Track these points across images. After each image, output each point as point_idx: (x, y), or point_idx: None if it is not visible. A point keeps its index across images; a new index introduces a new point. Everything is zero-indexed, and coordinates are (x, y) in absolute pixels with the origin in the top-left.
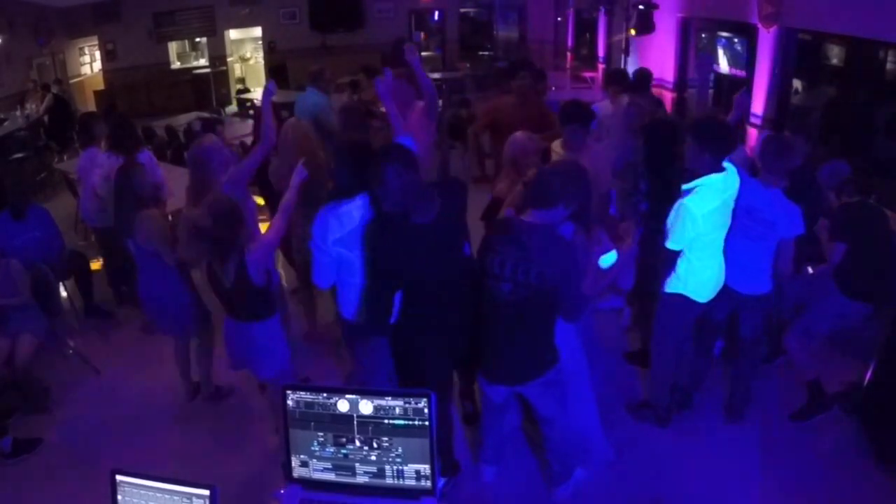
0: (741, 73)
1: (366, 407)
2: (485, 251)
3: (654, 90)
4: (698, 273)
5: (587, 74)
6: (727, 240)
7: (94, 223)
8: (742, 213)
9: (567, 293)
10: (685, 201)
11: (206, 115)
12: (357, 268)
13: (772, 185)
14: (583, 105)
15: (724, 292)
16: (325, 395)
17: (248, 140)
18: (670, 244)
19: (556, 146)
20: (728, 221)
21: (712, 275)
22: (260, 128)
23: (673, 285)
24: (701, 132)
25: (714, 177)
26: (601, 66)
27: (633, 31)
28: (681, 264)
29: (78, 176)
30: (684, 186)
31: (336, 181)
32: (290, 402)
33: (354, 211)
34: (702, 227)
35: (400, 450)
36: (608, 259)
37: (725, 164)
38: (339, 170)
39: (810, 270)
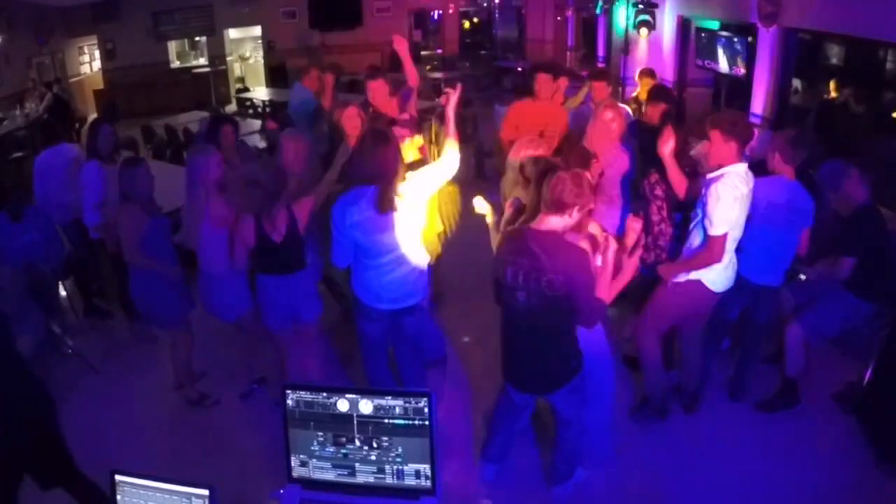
0: (741, 72)
1: (366, 406)
2: (499, 262)
3: None
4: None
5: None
6: (761, 234)
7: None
8: (784, 208)
9: (581, 299)
10: (717, 186)
11: (219, 112)
12: (372, 252)
13: (793, 178)
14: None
15: (741, 287)
16: (324, 394)
17: (249, 140)
18: (716, 230)
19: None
20: (745, 215)
21: (729, 265)
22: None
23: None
24: (728, 124)
25: (739, 165)
26: (601, 66)
27: (644, 32)
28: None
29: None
30: (709, 175)
31: (356, 169)
32: (289, 402)
33: (373, 199)
34: (732, 211)
35: (400, 449)
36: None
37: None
38: (358, 158)
39: (802, 277)
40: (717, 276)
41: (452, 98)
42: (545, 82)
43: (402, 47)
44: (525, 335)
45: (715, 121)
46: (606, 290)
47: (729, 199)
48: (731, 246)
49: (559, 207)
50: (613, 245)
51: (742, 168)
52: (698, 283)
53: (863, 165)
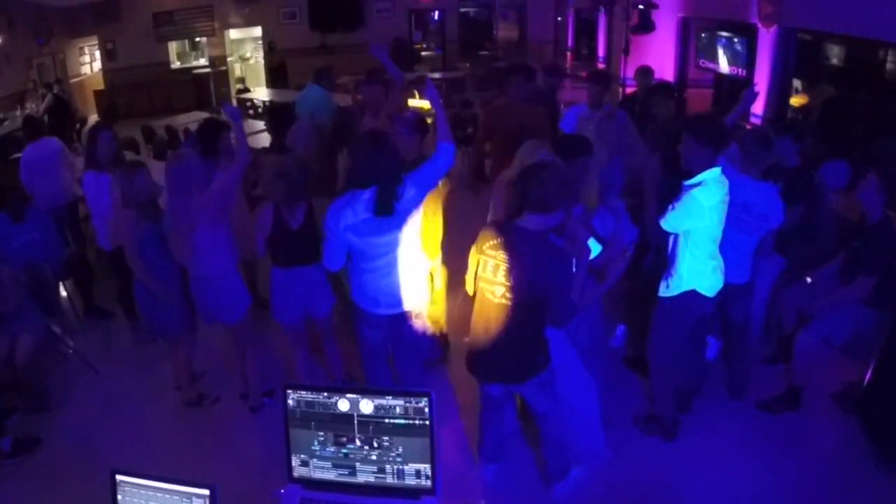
0: (741, 72)
1: (366, 406)
2: (480, 253)
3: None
4: (705, 268)
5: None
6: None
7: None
8: (738, 207)
9: (556, 300)
10: (694, 193)
11: (208, 115)
12: (368, 255)
13: (760, 179)
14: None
15: None
16: (325, 394)
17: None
18: (667, 224)
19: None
20: (724, 217)
21: (717, 267)
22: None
23: (676, 286)
24: (704, 130)
25: (715, 170)
26: (601, 66)
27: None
28: (685, 262)
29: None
30: (687, 182)
31: (352, 172)
32: (290, 402)
33: (369, 201)
34: (708, 220)
35: (400, 449)
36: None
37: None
38: (356, 161)
39: (808, 280)
40: (709, 283)
41: (431, 89)
42: (518, 84)
43: (380, 55)
44: (496, 327)
45: (690, 126)
46: (579, 294)
47: (699, 208)
48: (711, 248)
49: (544, 207)
50: (590, 250)
51: (717, 172)
52: (693, 292)
53: (880, 173)
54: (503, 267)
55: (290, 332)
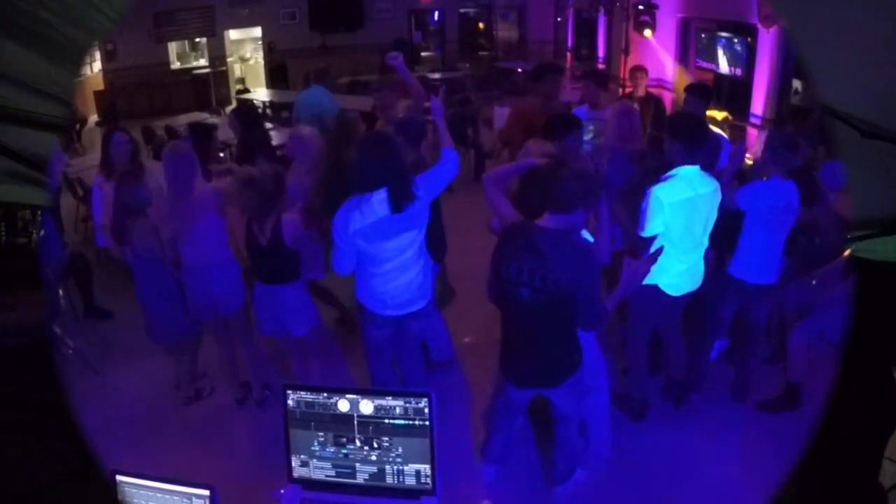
0: (740, 72)
1: (366, 407)
2: (501, 257)
3: (654, 90)
4: (670, 266)
5: None
6: (762, 237)
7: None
8: (781, 211)
9: (585, 300)
10: (655, 190)
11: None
12: (376, 259)
13: (785, 178)
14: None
15: (738, 289)
16: (325, 394)
17: None
18: (643, 231)
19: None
20: (699, 218)
21: (685, 269)
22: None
23: (649, 278)
24: (674, 124)
25: (688, 168)
26: (601, 66)
27: (648, 32)
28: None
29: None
30: (661, 177)
31: (359, 175)
32: (290, 402)
33: (376, 204)
34: (668, 217)
35: (400, 450)
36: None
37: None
38: (362, 164)
39: (814, 282)
40: (671, 280)
41: (436, 104)
42: (557, 82)
43: (397, 64)
44: (527, 330)
45: (667, 121)
46: (614, 302)
47: (659, 205)
48: (683, 250)
49: (564, 206)
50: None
51: (692, 171)
52: (654, 287)
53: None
54: (527, 268)
55: (279, 342)
